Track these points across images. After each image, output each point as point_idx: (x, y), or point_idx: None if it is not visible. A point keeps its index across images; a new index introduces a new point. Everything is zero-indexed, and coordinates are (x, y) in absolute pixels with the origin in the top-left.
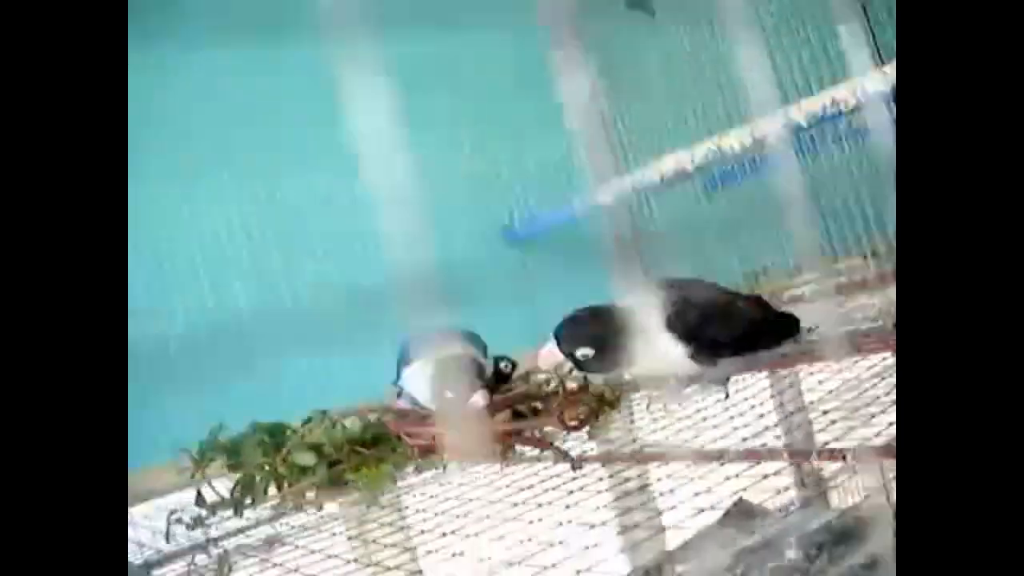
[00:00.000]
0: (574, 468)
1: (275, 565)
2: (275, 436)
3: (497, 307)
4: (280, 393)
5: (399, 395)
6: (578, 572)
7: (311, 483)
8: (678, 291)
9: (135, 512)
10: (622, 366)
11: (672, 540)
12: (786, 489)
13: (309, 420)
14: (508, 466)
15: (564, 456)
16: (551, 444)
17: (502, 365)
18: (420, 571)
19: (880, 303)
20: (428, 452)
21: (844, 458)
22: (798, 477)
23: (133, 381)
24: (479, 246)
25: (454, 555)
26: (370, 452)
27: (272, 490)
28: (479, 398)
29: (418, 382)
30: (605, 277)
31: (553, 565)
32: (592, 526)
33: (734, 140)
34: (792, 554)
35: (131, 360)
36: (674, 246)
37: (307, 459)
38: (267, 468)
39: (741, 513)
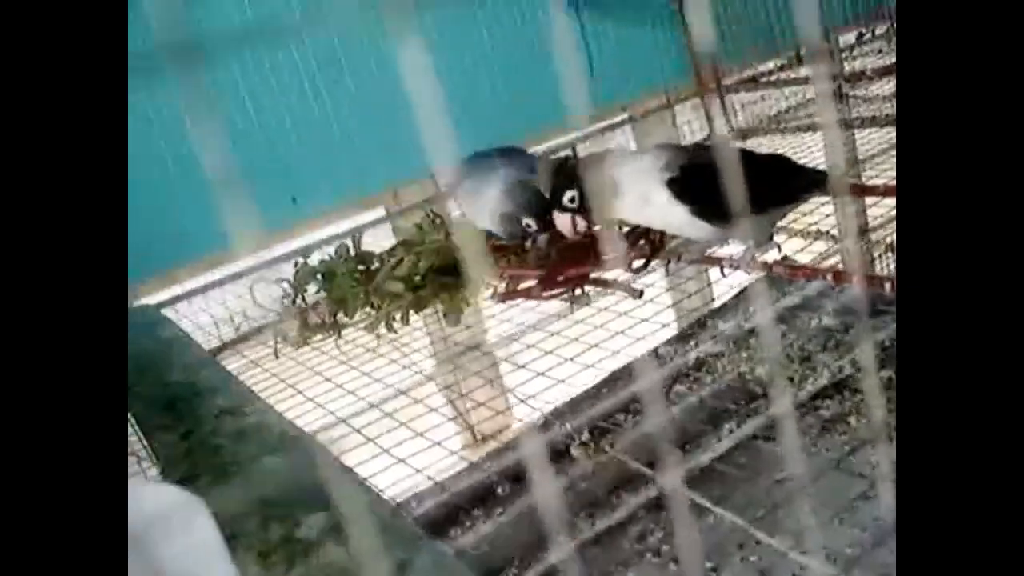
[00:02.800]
0: (637, 298)
1: None
2: (364, 262)
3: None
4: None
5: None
6: (638, 340)
7: (399, 306)
8: (683, 153)
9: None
10: (606, 204)
11: None
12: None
13: (394, 250)
14: (577, 309)
15: (630, 290)
16: (615, 282)
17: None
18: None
19: None
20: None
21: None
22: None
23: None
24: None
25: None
26: (450, 279)
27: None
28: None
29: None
30: (658, 34)
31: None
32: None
33: None
34: (828, 320)
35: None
36: None
37: (396, 287)
38: (359, 294)
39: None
